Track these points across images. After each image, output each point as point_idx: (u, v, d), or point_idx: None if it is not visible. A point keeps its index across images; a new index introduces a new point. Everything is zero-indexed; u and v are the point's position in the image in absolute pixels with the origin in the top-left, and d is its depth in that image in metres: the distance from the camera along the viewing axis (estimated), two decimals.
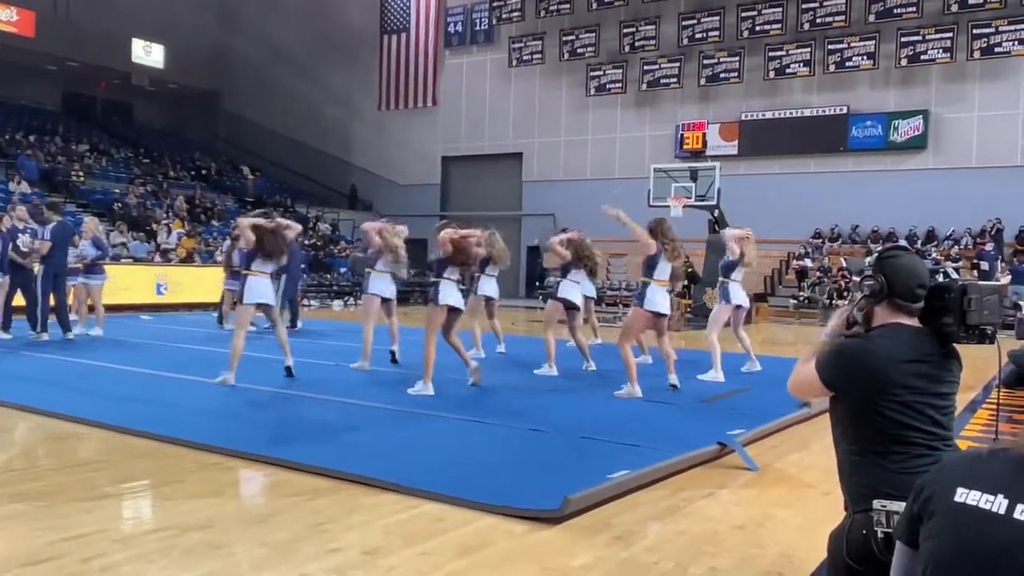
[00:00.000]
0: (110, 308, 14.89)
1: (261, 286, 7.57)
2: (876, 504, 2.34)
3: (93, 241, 11.40)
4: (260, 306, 7.69)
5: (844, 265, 20.76)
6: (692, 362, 9.19)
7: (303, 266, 16.82)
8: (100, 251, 11.48)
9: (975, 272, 18.58)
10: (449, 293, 7.35)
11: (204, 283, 17.07)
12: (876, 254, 2.57)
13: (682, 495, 4.37)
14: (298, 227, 8.25)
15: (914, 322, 2.48)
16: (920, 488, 1.81)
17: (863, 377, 2.41)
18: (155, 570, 3.15)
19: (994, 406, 6.56)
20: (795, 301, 20.52)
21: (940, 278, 2.51)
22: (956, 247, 20.69)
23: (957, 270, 18.64)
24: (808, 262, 21.91)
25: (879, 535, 2.32)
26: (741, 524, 3.92)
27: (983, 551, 1.60)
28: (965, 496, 1.68)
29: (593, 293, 10.86)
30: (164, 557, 3.26)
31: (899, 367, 2.37)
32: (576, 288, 9.18)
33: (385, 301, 8.93)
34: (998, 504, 1.60)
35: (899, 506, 2.28)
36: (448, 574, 3.18)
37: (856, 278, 3.09)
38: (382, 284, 8.83)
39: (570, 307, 9.18)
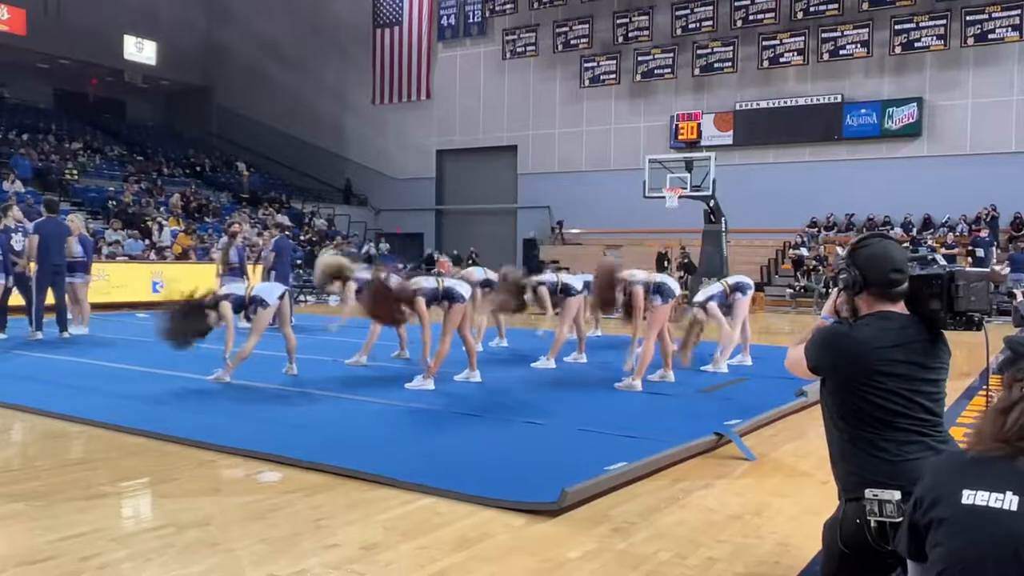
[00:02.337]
0: (107, 306, 14.92)
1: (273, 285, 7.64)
2: (868, 493, 2.35)
3: (79, 239, 11.32)
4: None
5: (833, 260, 20.83)
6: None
7: (299, 262, 16.83)
8: (84, 249, 11.38)
9: (970, 259, 18.61)
10: (465, 289, 7.38)
11: (200, 280, 16.99)
12: (849, 246, 2.58)
13: (680, 486, 4.38)
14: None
15: (900, 309, 2.49)
16: (920, 499, 1.81)
17: (845, 363, 2.42)
18: (153, 568, 3.15)
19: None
20: (791, 290, 20.55)
21: (935, 268, 2.52)
22: (952, 234, 20.72)
23: (954, 258, 18.67)
24: (804, 251, 21.92)
25: (872, 524, 2.33)
26: (738, 514, 3.93)
27: (999, 547, 1.60)
28: (973, 497, 1.68)
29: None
30: (162, 555, 3.26)
31: (882, 353, 2.38)
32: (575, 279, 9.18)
33: None
34: (1008, 501, 1.62)
35: (891, 494, 2.30)
36: (446, 568, 3.19)
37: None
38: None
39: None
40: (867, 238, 2.56)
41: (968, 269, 2.51)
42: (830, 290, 2.60)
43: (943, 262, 2.51)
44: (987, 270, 3.57)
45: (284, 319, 7.78)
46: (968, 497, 1.67)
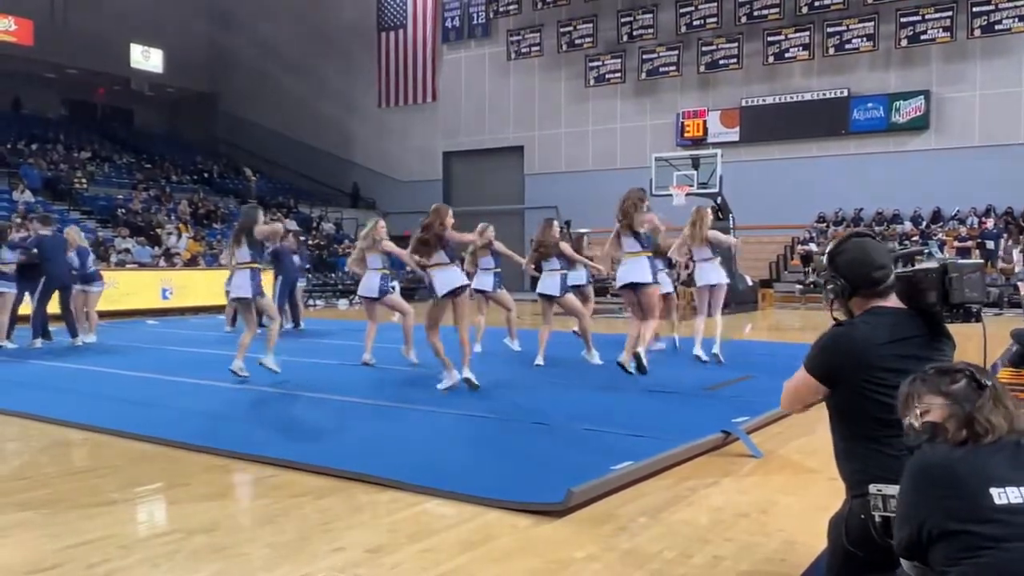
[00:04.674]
0: (116, 314, 14.99)
1: (240, 279, 7.55)
2: (872, 489, 2.34)
3: (77, 251, 11.34)
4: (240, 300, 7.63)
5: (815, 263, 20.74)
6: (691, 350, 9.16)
7: (307, 266, 16.87)
8: (80, 261, 11.25)
9: (979, 251, 18.52)
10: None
11: (209, 286, 17.11)
12: (827, 255, 2.57)
13: (686, 484, 4.37)
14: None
15: (896, 303, 2.48)
16: (923, 519, 1.80)
17: (847, 362, 2.41)
18: (161, 573, 3.16)
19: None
20: (800, 286, 20.47)
21: (929, 261, 2.51)
22: (964, 227, 20.60)
23: (968, 251, 18.55)
24: (813, 247, 21.84)
25: (877, 519, 2.32)
26: (745, 512, 3.92)
27: None
28: (1004, 496, 1.66)
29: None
30: (169, 561, 3.28)
31: (881, 349, 2.37)
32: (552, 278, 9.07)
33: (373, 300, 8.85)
34: None
35: (894, 489, 2.28)
36: (452, 570, 3.19)
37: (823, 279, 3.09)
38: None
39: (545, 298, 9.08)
40: (842, 242, 2.55)
41: (961, 261, 2.49)
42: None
43: (939, 255, 2.50)
44: (981, 261, 3.56)
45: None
46: (1000, 496, 1.65)
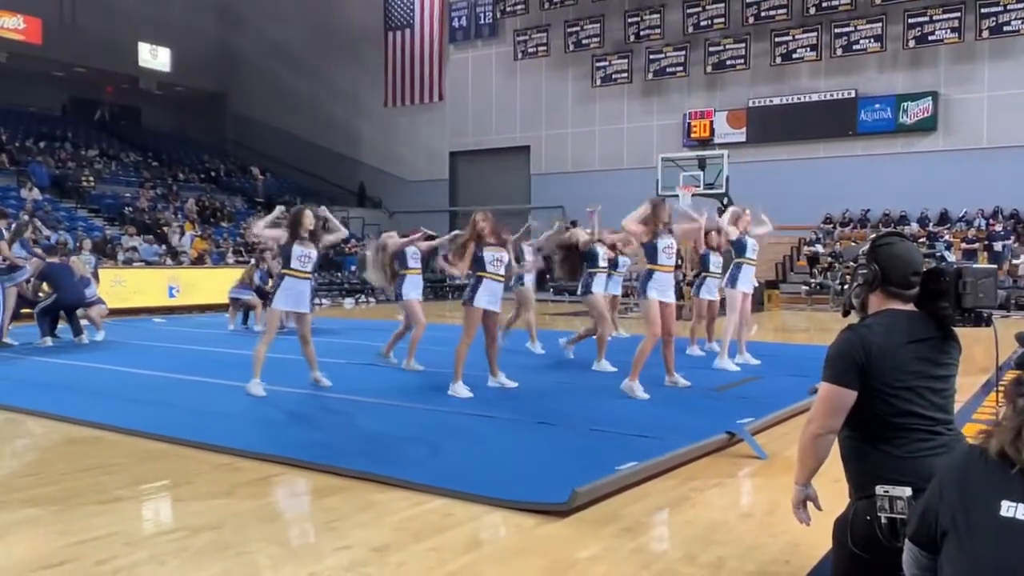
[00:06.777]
0: (124, 312, 15.04)
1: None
2: (879, 490, 2.34)
3: (79, 280, 11.35)
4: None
5: (838, 251, 20.71)
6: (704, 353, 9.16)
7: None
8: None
9: (986, 253, 18.45)
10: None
11: (216, 284, 17.15)
12: (870, 241, 2.57)
13: (691, 485, 4.38)
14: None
15: (909, 307, 2.48)
16: (947, 492, 1.78)
17: (864, 364, 2.40)
18: (167, 571, 3.18)
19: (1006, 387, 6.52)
20: (807, 287, 20.44)
21: (942, 265, 2.51)
22: (973, 229, 20.53)
23: (974, 252, 18.50)
24: (819, 248, 21.81)
25: (882, 521, 2.32)
26: (749, 512, 3.92)
27: None
28: (1013, 510, 1.65)
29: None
30: (176, 558, 3.29)
31: (897, 351, 2.37)
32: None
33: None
34: None
35: (902, 491, 2.28)
36: (457, 569, 3.20)
37: (852, 264, 3.12)
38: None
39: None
40: (888, 236, 2.55)
41: (975, 265, 2.49)
42: (846, 287, 2.56)
43: (952, 259, 2.51)
44: (994, 266, 3.59)
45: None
46: (1008, 509, 1.65)
